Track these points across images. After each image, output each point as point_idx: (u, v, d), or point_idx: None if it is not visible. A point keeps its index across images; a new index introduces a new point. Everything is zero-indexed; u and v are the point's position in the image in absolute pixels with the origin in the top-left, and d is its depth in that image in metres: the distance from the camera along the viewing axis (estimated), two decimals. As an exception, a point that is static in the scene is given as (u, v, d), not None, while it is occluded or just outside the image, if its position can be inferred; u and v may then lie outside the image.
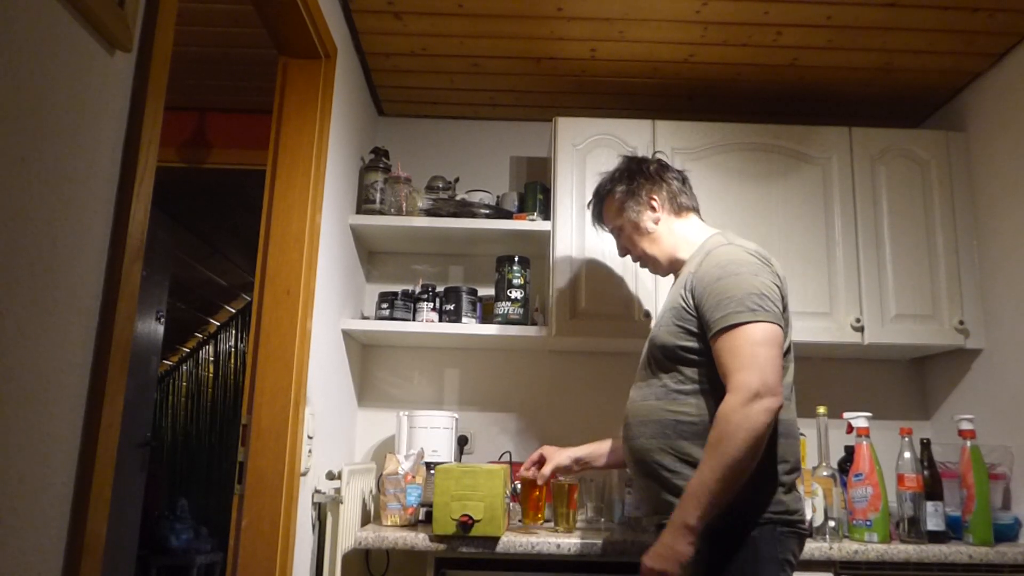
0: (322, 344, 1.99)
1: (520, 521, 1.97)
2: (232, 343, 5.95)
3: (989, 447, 2.07)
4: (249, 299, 5.53)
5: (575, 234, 2.25)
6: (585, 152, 2.31)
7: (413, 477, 1.99)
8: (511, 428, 2.50)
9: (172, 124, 2.75)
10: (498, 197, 2.49)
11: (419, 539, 1.79)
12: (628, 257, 1.75)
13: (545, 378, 2.53)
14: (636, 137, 2.31)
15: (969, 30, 2.12)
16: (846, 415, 2.03)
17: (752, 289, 1.38)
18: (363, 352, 2.54)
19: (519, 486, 1.99)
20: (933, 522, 1.92)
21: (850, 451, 2.04)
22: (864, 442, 1.96)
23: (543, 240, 2.34)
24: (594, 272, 2.22)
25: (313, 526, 1.91)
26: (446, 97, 2.61)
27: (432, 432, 2.16)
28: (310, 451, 1.84)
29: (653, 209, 1.65)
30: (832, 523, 1.89)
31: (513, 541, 1.78)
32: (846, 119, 2.48)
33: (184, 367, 5.90)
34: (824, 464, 1.96)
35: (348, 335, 2.29)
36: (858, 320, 2.20)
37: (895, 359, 2.54)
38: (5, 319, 0.73)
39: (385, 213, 2.34)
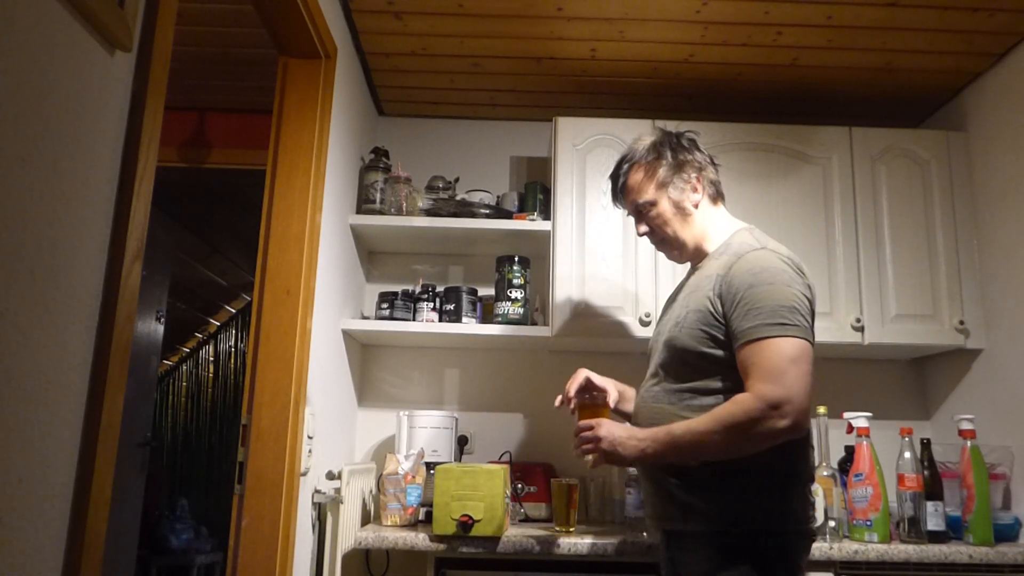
0: (322, 344, 1.99)
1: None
2: (232, 343, 5.95)
3: (989, 447, 2.06)
4: (249, 299, 5.52)
5: (575, 234, 2.25)
6: (585, 152, 2.31)
7: (413, 477, 1.99)
8: (511, 428, 2.50)
9: (172, 124, 2.74)
10: (498, 197, 2.49)
11: (419, 539, 1.79)
12: (634, 247, 1.64)
13: (545, 378, 2.53)
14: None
15: (969, 30, 2.12)
16: (846, 415, 2.03)
17: (785, 301, 1.33)
18: (363, 352, 2.54)
19: (521, 486, 1.98)
20: (933, 522, 1.92)
21: (850, 451, 2.04)
22: (864, 442, 1.96)
23: (543, 240, 2.34)
24: (594, 272, 2.22)
25: (313, 526, 1.91)
26: (446, 97, 2.61)
27: (432, 432, 2.16)
28: (310, 451, 1.84)
29: (695, 190, 1.55)
30: (832, 523, 1.89)
31: (513, 541, 1.78)
32: (846, 119, 2.48)
33: (184, 367, 5.90)
34: (824, 464, 1.96)
35: (348, 335, 2.29)
36: (858, 320, 2.20)
37: (895, 359, 2.54)
38: (5, 319, 0.73)
39: (385, 213, 2.34)
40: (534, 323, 2.36)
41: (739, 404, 1.29)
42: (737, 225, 1.56)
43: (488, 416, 2.51)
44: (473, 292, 2.33)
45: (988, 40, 2.17)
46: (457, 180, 2.52)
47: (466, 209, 2.35)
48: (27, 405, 0.76)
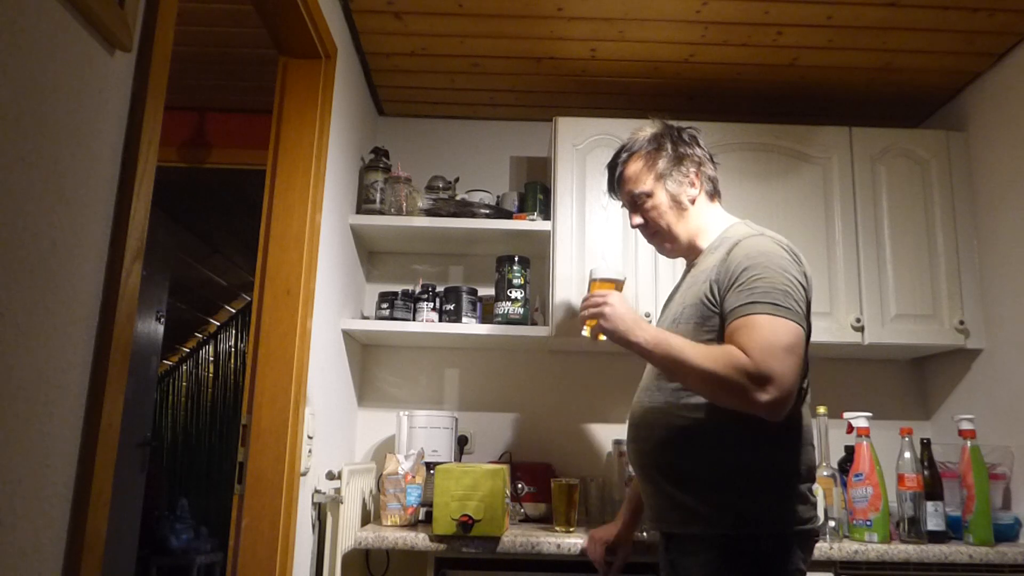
0: (322, 344, 1.99)
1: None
2: (232, 343, 5.95)
3: (989, 447, 2.07)
4: (249, 299, 5.53)
5: (575, 234, 2.25)
6: (585, 152, 2.31)
7: (413, 477, 1.99)
8: (511, 428, 2.50)
9: (172, 124, 2.75)
10: (498, 197, 2.49)
11: (419, 539, 1.79)
12: (636, 235, 1.64)
13: (545, 378, 2.53)
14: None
15: (969, 30, 2.12)
16: (846, 415, 2.03)
17: (779, 284, 1.30)
18: (363, 352, 2.54)
19: (521, 486, 1.99)
20: (933, 522, 1.92)
21: (850, 451, 2.04)
22: (864, 442, 1.96)
23: (543, 240, 2.34)
24: (594, 272, 2.22)
25: (313, 526, 1.91)
26: (446, 97, 2.61)
27: (432, 432, 2.16)
28: (310, 451, 1.84)
29: (693, 185, 1.53)
30: (832, 523, 1.89)
31: (513, 541, 1.78)
32: (846, 119, 2.48)
33: (184, 367, 5.90)
34: (824, 464, 1.96)
35: (348, 335, 2.29)
36: (858, 320, 2.20)
37: (895, 359, 2.54)
38: (5, 319, 0.73)
39: (385, 213, 2.34)
40: (534, 323, 2.36)
41: (732, 356, 1.25)
42: (731, 220, 1.55)
43: (488, 416, 2.51)
44: (473, 292, 2.34)
45: (988, 40, 2.17)
46: (457, 180, 2.52)
47: (466, 209, 2.35)
48: (27, 405, 0.76)
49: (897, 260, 2.26)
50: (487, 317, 2.36)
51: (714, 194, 1.58)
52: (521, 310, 2.29)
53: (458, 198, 2.40)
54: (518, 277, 2.30)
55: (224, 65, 2.48)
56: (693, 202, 1.54)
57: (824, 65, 2.32)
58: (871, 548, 1.81)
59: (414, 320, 2.30)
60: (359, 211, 2.37)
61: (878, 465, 1.93)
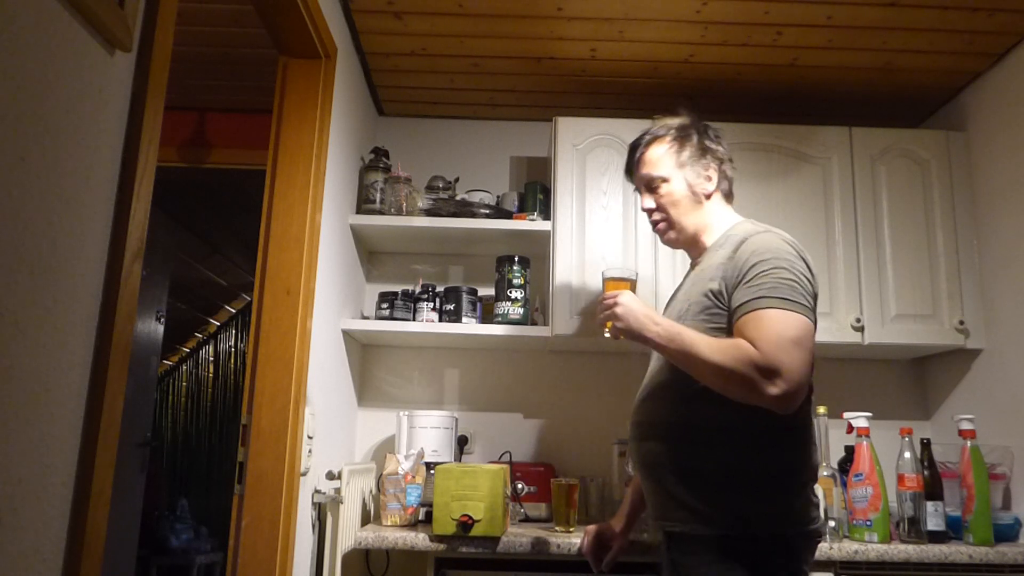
0: (322, 344, 1.99)
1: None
2: (232, 343, 5.95)
3: (989, 447, 2.06)
4: (249, 299, 5.53)
5: (575, 234, 2.25)
6: (585, 152, 2.31)
7: (413, 477, 1.99)
8: (511, 428, 2.50)
9: (172, 124, 2.74)
10: (498, 197, 2.49)
11: (419, 539, 1.79)
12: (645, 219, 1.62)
13: (545, 378, 2.53)
14: (636, 137, 2.30)
15: (969, 30, 2.12)
16: (846, 415, 2.03)
17: (787, 278, 1.31)
18: (363, 352, 2.54)
19: (521, 486, 1.99)
20: (933, 522, 1.92)
21: (850, 451, 2.04)
22: (864, 442, 1.96)
23: (543, 240, 2.34)
24: (594, 272, 2.22)
25: (313, 526, 1.91)
26: (446, 97, 2.61)
27: (432, 432, 2.16)
28: (310, 451, 1.84)
29: (710, 180, 1.54)
30: (832, 523, 1.89)
31: (513, 541, 1.78)
32: (846, 119, 2.48)
33: (184, 367, 5.90)
34: (824, 464, 1.96)
35: (348, 335, 2.29)
36: (858, 320, 2.20)
37: (895, 359, 2.54)
38: (5, 319, 0.73)
39: (385, 213, 2.34)
40: (534, 323, 2.36)
41: (742, 349, 1.26)
42: (737, 219, 1.56)
43: (488, 416, 2.51)
44: (473, 292, 2.34)
45: (988, 40, 2.17)
46: (457, 180, 2.52)
47: (466, 209, 2.35)
48: (27, 405, 0.76)
49: (897, 260, 2.26)
50: (487, 317, 2.36)
51: (728, 195, 1.59)
52: (521, 310, 2.29)
53: (458, 198, 2.40)
54: (518, 277, 2.30)
55: (224, 65, 2.48)
56: (708, 197, 1.55)
57: (824, 65, 2.32)
58: (871, 548, 1.81)
59: (414, 320, 2.30)
60: (359, 211, 2.37)
61: (878, 465, 1.93)
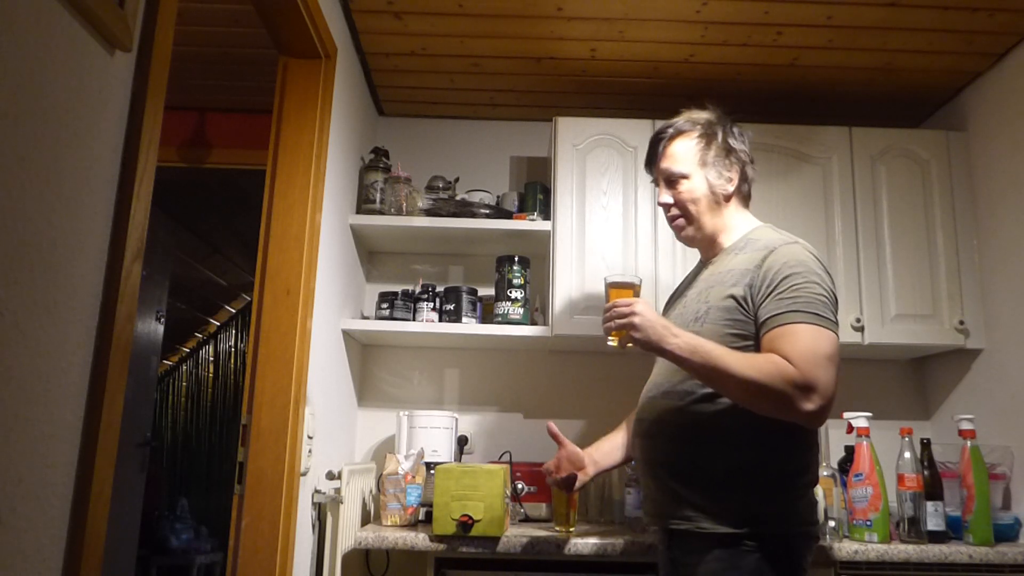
0: (322, 344, 1.99)
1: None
2: (232, 343, 5.95)
3: (989, 447, 2.06)
4: (249, 299, 5.53)
5: (575, 234, 2.25)
6: (585, 152, 2.31)
7: (413, 477, 1.99)
8: (511, 428, 2.50)
9: (172, 124, 2.74)
10: (498, 197, 2.49)
11: (419, 539, 1.79)
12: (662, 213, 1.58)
13: (545, 378, 2.53)
14: (636, 137, 2.30)
15: (969, 30, 2.12)
16: (846, 415, 2.02)
17: (819, 295, 1.32)
18: (363, 352, 2.54)
19: (521, 486, 1.98)
20: (933, 522, 1.92)
21: (850, 451, 2.04)
22: (864, 442, 1.95)
23: (543, 240, 2.34)
24: (594, 272, 2.22)
25: (313, 526, 1.91)
26: (446, 97, 2.61)
27: (432, 432, 2.16)
28: (310, 451, 1.84)
29: (731, 182, 1.52)
30: (832, 523, 1.89)
31: (513, 541, 1.78)
32: (846, 119, 2.48)
33: (184, 367, 5.90)
34: (824, 464, 1.96)
35: (348, 335, 2.29)
36: (858, 320, 2.20)
37: (895, 359, 2.54)
38: (5, 319, 0.73)
39: (385, 213, 2.34)
40: (534, 323, 2.36)
41: (778, 366, 1.26)
42: (755, 222, 1.55)
43: (488, 416, 2.51)
44: (473, 292, 2.33)
45: (988, 40, 2.17)
46: (457, 180, 2.52)
47: (466, 209, 2.35)
48: (27, 405, 0.76)
49: (897, 260, 2.26)
50: (487, 317, 2.36)
51: (747, 197, 1.57)
52: (521, 310, 2.29)
53: (458, 198, 2.40)
54: (518, 277, 2.30)
55: (224, 65, 2.48)
56: (728, 199, 1.53)
57: (824, 65, 2.32)
58: (871, 548, 1.81)
59: (414, 320, 2.30)
60: (359, 211, 2.37)
61: (878, 465, 1.93)
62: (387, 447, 2.44)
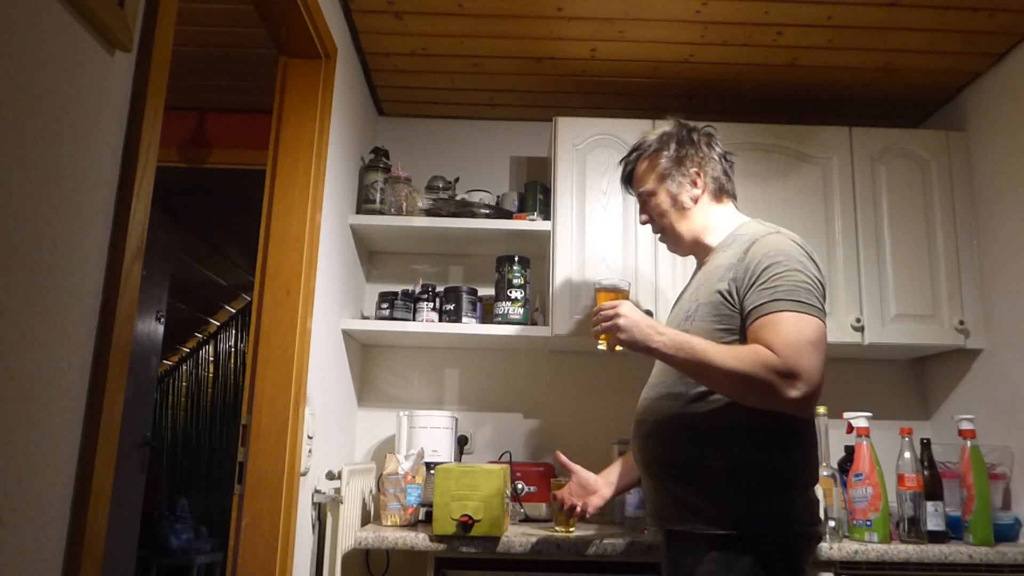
0: (322, 344, 1.99)
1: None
2: (232, 343, 5.95)
3: (989, 447, 2.06)
4: (249, 299, 5.53)
5: (575, 234, 2.25)
6: (585, 152, 2.31)
7: (413, 477, 1.99)
8: (511, 428, 2.50)
9: (172, 124, 2.74)
10: (498, 197, 2.49)
11: (419, 539, 1.79)
12: (646, 231, 1.65)
13: (545, 378, 2.53)
14: (636, 137, 2.29)
15: (969, 30, 2.12)
16: (846, 415, 2.03)
17: (801, 282, 1.32)
18: (363, 352, 2.54)
19: (521, 486, 1.98)
20: (933, 522, 1.92)
21: (850, 451, 2.04)
22: (864, 442, 1.95)
23: (543, 240, 2.34)
24: (594, 272, 2.22)
25: (313, 526, 1.91)
26: (446, 97, 2.61)
27: (432, 432, 2.16)
28: (310, 451, 1.84)
29: (695, 185, 1.55)
30: (832, 523, 1.89)
31: (513, 541, 1.78)
32: (846, 119, 2.48)
33: (184, 367, 5.90)
34: (824, 464, 1.96)
35: (348, 335, 2.29)
36: (858, 320, 2.20)
37: (895, 359, 2.54)
38: (5, 319, 0.73)
39: (385, 213, 2.34)
40: (534, 323, 2.36)
41: (760, 355, 1.26)
42: (742, 219, 1.55)
43: (488, 416, 2.51)
44: (473, 292, 2.33)
45: (988, 40, 2.17)
46: (457, 180, 2.52)
47: (466, 209, 2.35)
48: (27, 405, 0.76)
49: (897, 260, 2.25)
50: (487, 317, 2.36)
51: (721, 193, 1.57)
52: (521, 310, 2.29)
53: (458, 198, 2.40)
54: (518, 277, 2.30)
55: (224, 65, 2.48)
56: (696, 201, 1.55)
57: (824, 65, 2.32)
58: (871, 548, 1.81)
59: (414, 320, 2.30)
60: (359, 211, 2.37)
61: (878, 465, 1.93)
62: (387, 447, 2.44)
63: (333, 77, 1.97)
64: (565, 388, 2.52)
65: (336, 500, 1.91)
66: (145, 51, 0.98)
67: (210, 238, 4.46)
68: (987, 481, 1.94)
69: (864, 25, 2.11)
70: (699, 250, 1.57)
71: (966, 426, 1.98)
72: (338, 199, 2.14)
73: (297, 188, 1.84)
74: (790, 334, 1.27)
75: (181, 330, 5.61)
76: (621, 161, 1.69)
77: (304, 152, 1.87)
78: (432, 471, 1.99)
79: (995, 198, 2.23)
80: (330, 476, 2.03)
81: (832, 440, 2.04)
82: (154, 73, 0.99)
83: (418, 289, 2.34)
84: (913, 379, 2.55)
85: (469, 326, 2.27)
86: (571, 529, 1.90)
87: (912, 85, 2.42)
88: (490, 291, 2.39)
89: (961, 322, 2.21)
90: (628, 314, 1.38)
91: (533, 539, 1.79)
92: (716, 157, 1.58)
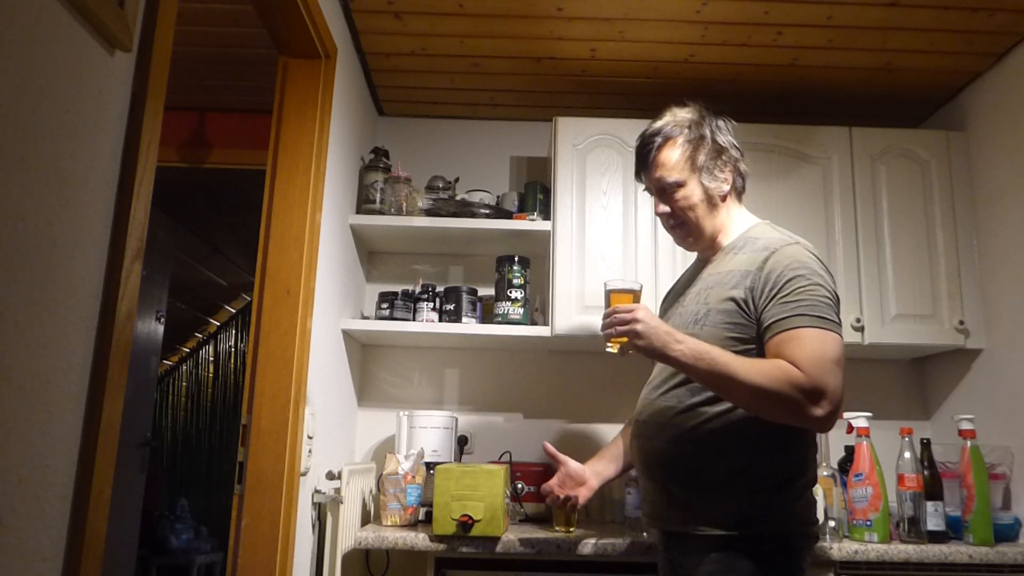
0: (322, 344, 1.99)
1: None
2: (232, 343, 5.95)
3: (989, 447, 2.06)
4: (249, 299, 5.52)
5: (575, 234, 2.25)
6: (585, 152, 2.31)
7: (413, 477, 1.99)
8: (511, 428, 2.50)
9: (172, 124, 2.74)
10: (498, 197, 2.49)
11: (419, 539, 1.79)
12: (643, 230, 1.58)
13: (545, 378, 2.53)
14: (636, 137, 2.29)
15: (969, 30, 2.12)
16: (846, 415, 2.02)
17: (823, 298, 1.32)
18: (363, 352, 2.54)
19: (521, 486, 1.98)
20: (933, 522, 1.92)
21: (850, 451, 2.04)
22: (864, 442, 1.96)
23: (543, 240, 2.34)
24: (594, 272, 2.22)
25: (313, 526, 1.91)
26: (446, 97, 2.61)
27: (432, 432, 2.16)
28: (310, 451, 1.84)
29: (727, 181, 1.50)
30: (832, 523, 1.89)
31: (513, 541, 1.78)
32: (846, 119, 2.48)
33: (184, 367, 5.90)
34: (824, 464, 1.96)
35: (348, 335, 2.29)
36: (858, 320, 2.20)
37: (895, 359, 2.54)
38: (5, 319, 0.73)
39: (385, 213, 2.34)
40: (534, 323, 2.36)
41: (787, 372, 1.25)
42: (753, 219, 1.53)
43: (488, 416, 2.51)
44: (473, 292, 2.33)
45: (988, 40, 2.17)
46: (457, 180, 2.52)
47: (466, 209, 2.35)
48: (27, 405, 0.76)
49: (897, 260, 2.25)
50: (487, 317, 2.36)
51: (742, 192, 1.55)
52: (521, 310, 2.29)
53: (458, 198, 2.40)
54: (518, 277, 2.30)
55: (224, 65, 2.48)
56: (724, 199, 1.51)
57: (824, 65, 2.32)
58: (871, 548, 1.81)
59: (414, 320, 2.30)
60: (359, 211, 2.37)
61: (878, 465, 1.93)
62: (387, 447, 2.44)
63: (333, 77, 1.97)
64: (565, 388, 2.52)
65: (336, 500, 1.91)
66: (145, 51, 0.98)
67: (210, 238, 4.46)
68: (987, 481, 1.94)
69: (864, 25, 2.11)
70: (712, 249, 1.53)
71: (966, 426, 1.98)
72: (338, 199, 2.14)
73: (297, 188, 1.84)
74: (815, 351, 1.27)
75: (181, 330, 5.61)
76: (640, 147, 1.56)
77: (304, 152, 1.87)
78: (432, 471, 1.99)
79: (995, 198, 2.23)
80: (330, 476, 2.03)
81: (832, 440, 2.03)
82: (154, 73, 0.99)
83: (418, 289, 2.34)
84: (913, 379, 2.54)
85: (469, 326, 2.27)
86: (571, 529, 1.89)
87: (912, 85, 2.42)
88: (490, 291, 2.39)
89: (961, 322, 2.21)
90: (646, 319, 1.34)
91: (533, 539, 1.79)
92: (742, 152, 1.55)
